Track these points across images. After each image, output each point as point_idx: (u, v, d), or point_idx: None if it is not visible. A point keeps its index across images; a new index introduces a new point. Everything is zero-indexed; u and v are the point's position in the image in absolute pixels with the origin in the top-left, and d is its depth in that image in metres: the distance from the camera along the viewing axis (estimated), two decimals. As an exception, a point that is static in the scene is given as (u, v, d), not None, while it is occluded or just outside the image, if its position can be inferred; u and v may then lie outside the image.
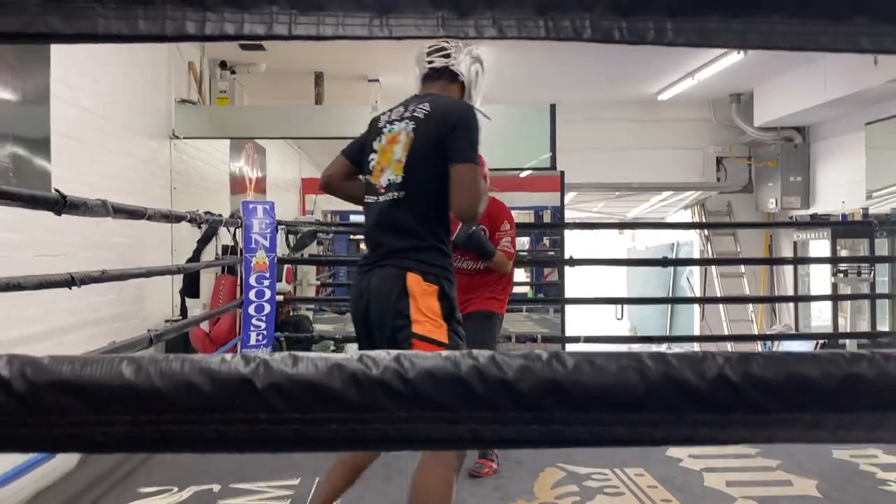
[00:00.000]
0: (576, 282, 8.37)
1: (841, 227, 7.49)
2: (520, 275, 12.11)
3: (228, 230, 5.36)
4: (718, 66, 7.78)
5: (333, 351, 6.86)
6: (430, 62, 2.36)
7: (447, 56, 2.35)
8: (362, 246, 13.50)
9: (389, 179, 2.25)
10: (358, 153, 2.43)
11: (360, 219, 9.83)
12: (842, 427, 0.50)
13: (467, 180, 2.18)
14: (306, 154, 13.53)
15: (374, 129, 2.39)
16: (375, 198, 2.29)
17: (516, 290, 11.26)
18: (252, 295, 5.09)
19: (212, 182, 7.41)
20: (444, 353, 0.50)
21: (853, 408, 0.50)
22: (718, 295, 9.90)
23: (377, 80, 8.46)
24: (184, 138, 6.37)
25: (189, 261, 5.17)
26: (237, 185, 8.47)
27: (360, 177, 2.47)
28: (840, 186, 8.73)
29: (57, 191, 2.40)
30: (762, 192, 9.88)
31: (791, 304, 9.27)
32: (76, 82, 4.41)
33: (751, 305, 9.82)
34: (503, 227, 3.67)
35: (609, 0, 0.47)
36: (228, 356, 0.49)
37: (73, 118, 4.35)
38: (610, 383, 0.49)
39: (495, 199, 3.65)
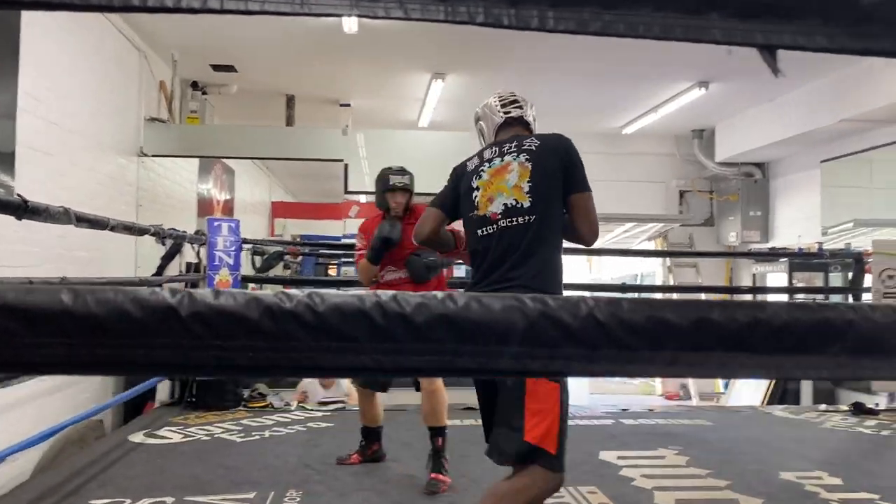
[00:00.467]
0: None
1: (797, 260, 7.70)
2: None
3: (193, 247, 5.37)
4: (680, 101, 8.01)
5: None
6: (507, 112, 2.57)
7: (520, 108, 2.58)
8: (331, 271, 13.37)
9: (507, 204, 2.35)
10: (451, 202, 2.55)
11: (328, 242, 9.71)
12: (696, 363, 0.57)
13: (590, 208, 2.39)
14: (276, 177, 13.57)
15: (465, 175, 2.51)
16: (493, 226, 2.36)
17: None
18: (215, 312, 5.07)
19: (178, 201, 7.42)
20: (352, 291, 0.57)
21: (705, 347, 0.57)
22: (680, 325, 10.06)
23: (349, 105, 8.57)
24: (152, 156, 6.39)
25: (153, 276, 5.17)
26: (205, 206, 8.48)
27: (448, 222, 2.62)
28: (797, 222, 8.98)
29: (19, 195, 2.42)
30: (723, 225, 10.12)
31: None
32: (45, 96, 4.43)
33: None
34: None
35: (501, -10, 0.56)
36: (157, 288, 0.55)
37: (41, 131, 4.37)
38: (495, 319, 0.56)
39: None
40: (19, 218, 2.43)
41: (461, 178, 2.54)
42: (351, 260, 12.59)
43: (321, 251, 10.87)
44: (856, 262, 5.86)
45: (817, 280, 8.09)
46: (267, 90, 8.01)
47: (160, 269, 5.29)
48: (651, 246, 11.11)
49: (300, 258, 11.14)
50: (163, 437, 4.40)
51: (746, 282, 9.64)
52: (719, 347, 0.57)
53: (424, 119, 8.99)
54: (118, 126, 5.79)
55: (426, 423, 3.63)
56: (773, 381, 7.85)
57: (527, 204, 2.33)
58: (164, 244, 5.23)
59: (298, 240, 12.49)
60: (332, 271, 13.80)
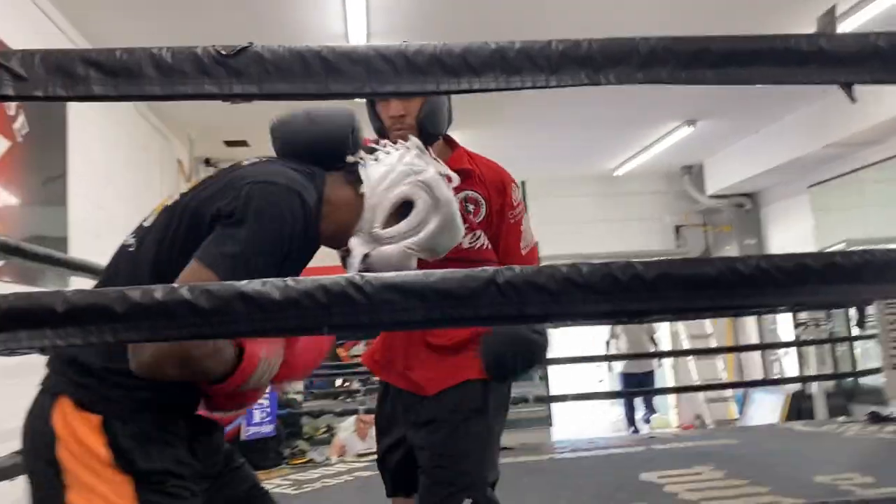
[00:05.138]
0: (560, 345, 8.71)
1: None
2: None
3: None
4: (669, 140, 8.41)
5: (325, 431, 7.00)
6: None
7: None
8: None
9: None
10: None
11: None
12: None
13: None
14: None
15: None
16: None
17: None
18: (255, 374, 5.27)
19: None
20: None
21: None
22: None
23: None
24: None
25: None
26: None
27: None
28: (791, 246, 9.32)
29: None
30: (721, 255, 10.43)
31: (759, 361, 9.72)
32: (88, 182, 4.74)
33: (721, 362, 10.09)
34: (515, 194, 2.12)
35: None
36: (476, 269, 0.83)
37: (90, 216, 4.67)
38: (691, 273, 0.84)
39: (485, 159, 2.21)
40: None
41: None
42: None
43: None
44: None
45: (818, 299, 8.39)
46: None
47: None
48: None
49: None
50: (221, 496, 4.54)
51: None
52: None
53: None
54: (146, 207, 6.08)
55: None
56: (789, 401, 8.10)
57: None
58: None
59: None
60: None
